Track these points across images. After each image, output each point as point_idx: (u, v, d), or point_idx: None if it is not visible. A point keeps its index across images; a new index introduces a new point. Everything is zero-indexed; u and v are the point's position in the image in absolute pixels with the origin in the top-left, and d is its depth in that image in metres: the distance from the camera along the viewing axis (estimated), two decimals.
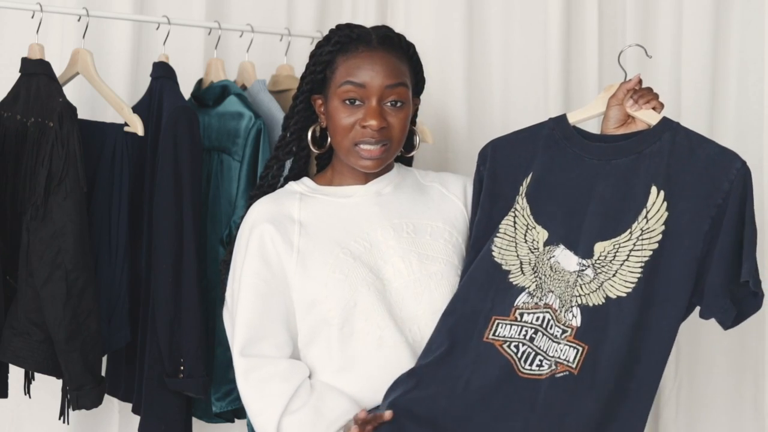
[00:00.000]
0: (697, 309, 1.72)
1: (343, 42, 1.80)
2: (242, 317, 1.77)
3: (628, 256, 1.69)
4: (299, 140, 1.89)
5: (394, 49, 1.81)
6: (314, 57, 1.84)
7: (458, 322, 1.75)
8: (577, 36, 2.57)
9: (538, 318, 1.71)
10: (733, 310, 1.69)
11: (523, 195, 1.80)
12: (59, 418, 2.16)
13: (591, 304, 1.69)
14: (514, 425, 1.65)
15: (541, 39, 2.54)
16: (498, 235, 1.80)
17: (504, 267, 1.77)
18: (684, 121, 2.50)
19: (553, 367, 1.67)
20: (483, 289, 1.76)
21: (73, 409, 2.06)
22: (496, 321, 1.74)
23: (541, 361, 1.68)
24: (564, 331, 1.69)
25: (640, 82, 1.80)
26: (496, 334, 1.72)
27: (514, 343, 1.70)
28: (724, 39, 2.56)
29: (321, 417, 1.71)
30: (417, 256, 1.80)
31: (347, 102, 1.77)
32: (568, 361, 1.67)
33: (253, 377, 1.74)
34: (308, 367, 1.77)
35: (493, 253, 1.79)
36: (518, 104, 2.58)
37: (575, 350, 1.67)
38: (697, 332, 2.51)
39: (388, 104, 1.78)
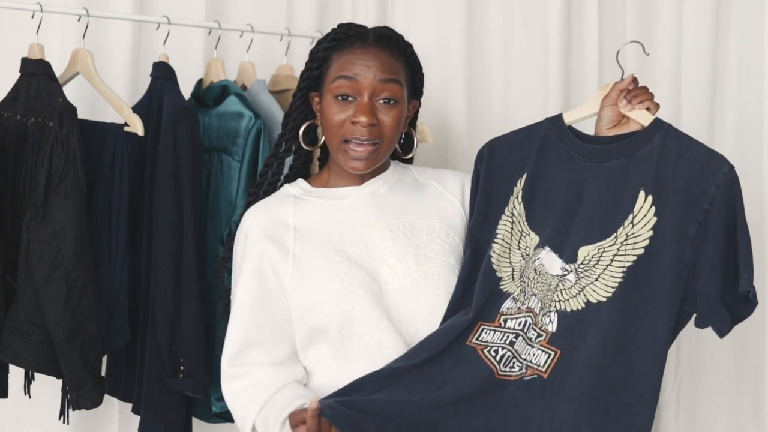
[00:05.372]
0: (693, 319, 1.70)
1: (339, 39, 1.79)
2: (233, 330, 1.77)
3: (612, 260, 1.67)
4: (297, 138, 1.89)
5: (389, 46, 1.79)
6: (311, 54, 1.83)
7: (450, 324, 1.74)
8: (577, 36, 2.57)
9: (520, 323, 1.71)
10: (729, 318, 1.66)
11: (520, 199, 1.79)
12: (59, 418, 2.16)
13: (569, 310, 1.67)
14: (476, 423, 1.64)
15: (541, 39, 2.55)
16: (496, 240, 1.79)
17: (498, 273, 1.77)
18: (684, 121, 2.53)
19: (524, 370, 1.67)
20: (477, 294, 1.75)
21: (73, 409, 2.06)
22: (481, 326, 1.73)
23: (514, 363, 1.68)
24: (539, 335, 1.68)
25: (634, 81, 1.78)
26: (480, 339, 1.72)
27: (494, 348, 1.70)
28: (724, 39, 2.57)
29: (273, 404, 1.70)
30: (414, 257, 1.79)
31: (339, 98, 1.76)
32: (538, 365, 1.66)
33: (236, 385, 1.75)
34: (299, 372, 1.77)
35: (492, 259, 1.78)
36: (518, 104, 2.58)
37: (546, 355, 1.66)
38: (696, 332, 2.48)
39: (381, 101, 1.76)
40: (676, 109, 2.54)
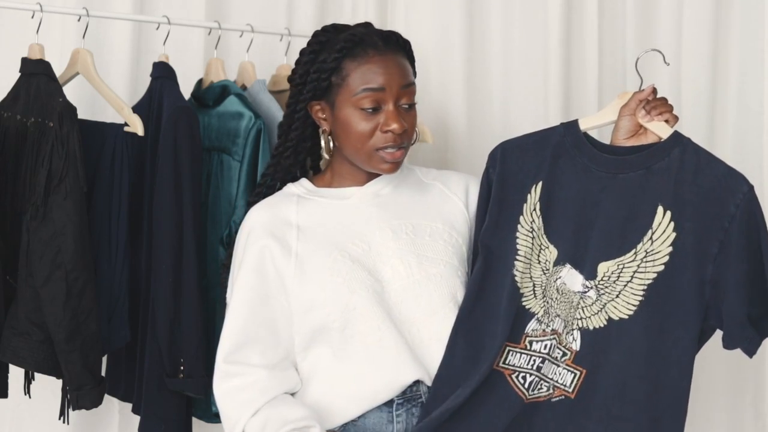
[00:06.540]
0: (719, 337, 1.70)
1: (348, 47, 1.77)
2: (231, 326, 1.77)
3: (632, 277, 1.67)
4: (299, 147, 1.88)
5: (399, 49, 1.81)
6: (316, 64, 1.80)
7: (475, 341, 1.73)
8: (577, 36, 2.57)
9: (545, 345, 1.71)
10: (757, 338, 1.66)
11: (538, 212, 1.77)
12: (59, 418, 2.16)
13: (591, 328, 1.68)
14: None
15: (541, 39, 2.54)
16: (518, 257, 1.77)
17: (520, 290, 1.75)
18: (684, 122, 2.52)
19: (551, 390, 1.67)
20: (504, 316, 1.73)
21: (73, 409, 2.06)
22: (507, 348, 1.73)
23: (541, 385, 1.69)
24: (564, 354, 1.68)
25: (654, 92, 1.77)
26: (507, 362, 1.72)
27: (522, 374, 1.70)
28: (724, 39, 2.56)
29: (273, 413, 1.70)
30: (416, 258, 1.79)
31: (368, 109, 1.75)
32: (565, 386, 1.67)
33: (230, 384, 1.75)
34: (293, 377, 1.77)
35: (516, 278, 1.76)
36: (518, 104, 2.58)
37: (572, 374, 1.67)
38: None
39: (403, 106, 1.77)
40: (676, 109, 2.51)
